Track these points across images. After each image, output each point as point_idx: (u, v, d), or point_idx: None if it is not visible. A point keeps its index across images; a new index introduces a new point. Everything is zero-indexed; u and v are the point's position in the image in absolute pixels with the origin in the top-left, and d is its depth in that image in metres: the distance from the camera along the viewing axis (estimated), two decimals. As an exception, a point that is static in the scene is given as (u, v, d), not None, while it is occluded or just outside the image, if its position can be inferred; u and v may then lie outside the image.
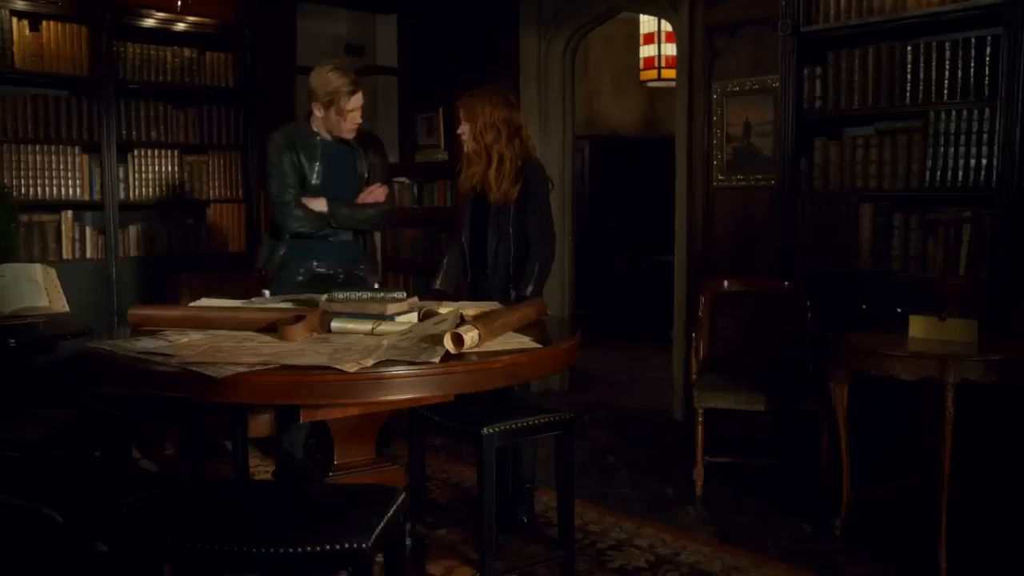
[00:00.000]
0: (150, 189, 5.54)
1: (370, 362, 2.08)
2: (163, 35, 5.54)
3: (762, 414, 3.88)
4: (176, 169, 5.64)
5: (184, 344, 2.43)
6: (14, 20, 4.94)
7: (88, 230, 5.31)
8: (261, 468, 4.34)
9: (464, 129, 3.54)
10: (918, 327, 3.35)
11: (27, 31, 4.99)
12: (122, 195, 5.40)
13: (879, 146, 3.97)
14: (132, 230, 5.50)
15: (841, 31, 4.02)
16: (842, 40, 4.04)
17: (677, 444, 4.81)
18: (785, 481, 4.04)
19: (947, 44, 3.72)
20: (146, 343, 2.45)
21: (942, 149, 3.76)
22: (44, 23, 5.06)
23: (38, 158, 5.09)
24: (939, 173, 3.77)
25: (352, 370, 2.03)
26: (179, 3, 5.56)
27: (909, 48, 3.81)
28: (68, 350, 4.20)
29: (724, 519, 3.73)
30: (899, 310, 3.63)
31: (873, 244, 4.00)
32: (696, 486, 3.98)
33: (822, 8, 4.08)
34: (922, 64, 3.79)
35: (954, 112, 3.71)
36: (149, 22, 5.45)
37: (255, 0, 6.01)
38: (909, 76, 3.82)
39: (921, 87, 3.80)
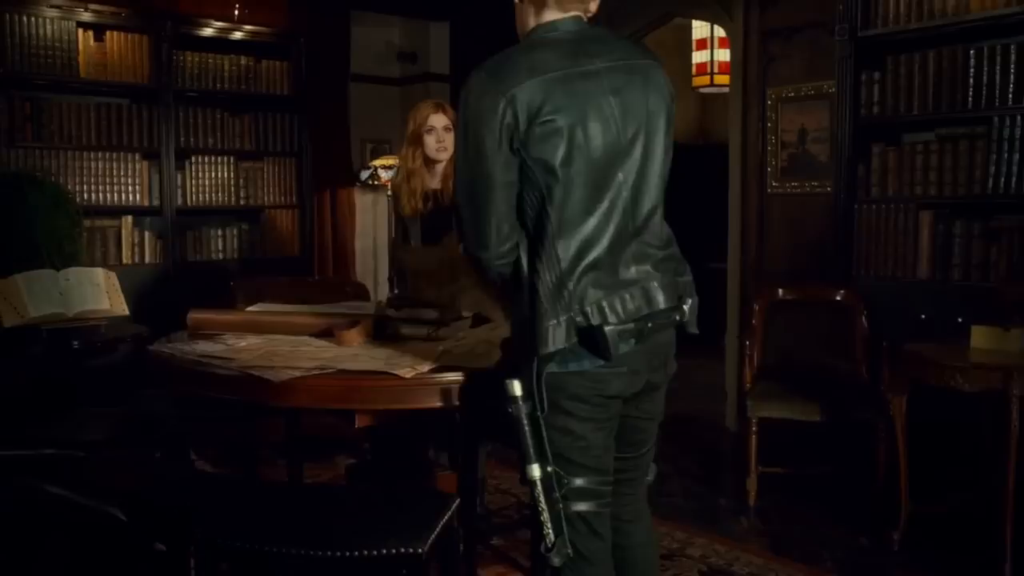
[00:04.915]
0: (207, 195, 5.64)
1: (426, 367, 2.10)
2: (221, 44, 5.64)
3: (815, 424, 3.82)
4: (232, 175, 5.73)
5: (242, 348, 2.48)
6: (80, 31, 5.07)
7: (147, 235, 5.42)
8: (313, 471, 4.38)
9: (451, 136, 3.40)
10: (981, 337, 3.27)
11: (92, 41, 5.13)
12: (180, 201, 5.51)
13: (939, 152, 3.89)
14: (189, 235, 5.60)
15: (900, 35, 3.95)
16: (901, 44, 3.96)
17: (729, 453, 4.76)
18: (839, 492, 3.97)
19: (1012, 47, 3.63)
20: (205, 347, 2.50)
21: (1006, 155, 3.66)
22: (108, 33, 5.18)
23: (100, 164, 5.22)
24: (1003, 180, 3.68)
25: (409, 376, 2.06)
26: (236, 12, 5.68)
27: (972, 52, 3.73)
28: (127, 352, 4.30)
29: (777, 530, 3.67)
30: (960, 320, 3.55)
31: (932, 252, 3.91)
32: (749, 496, 3.92)
33: (880, 12, 4.01)
34: (985, 68, 3.70)
35: (1019, 117, 3.62)
36: (207, 31, 5.56)
37: (310, 9, 6.10)
38: (972, 81, 3.73)
39: (984, 92, 3.71)
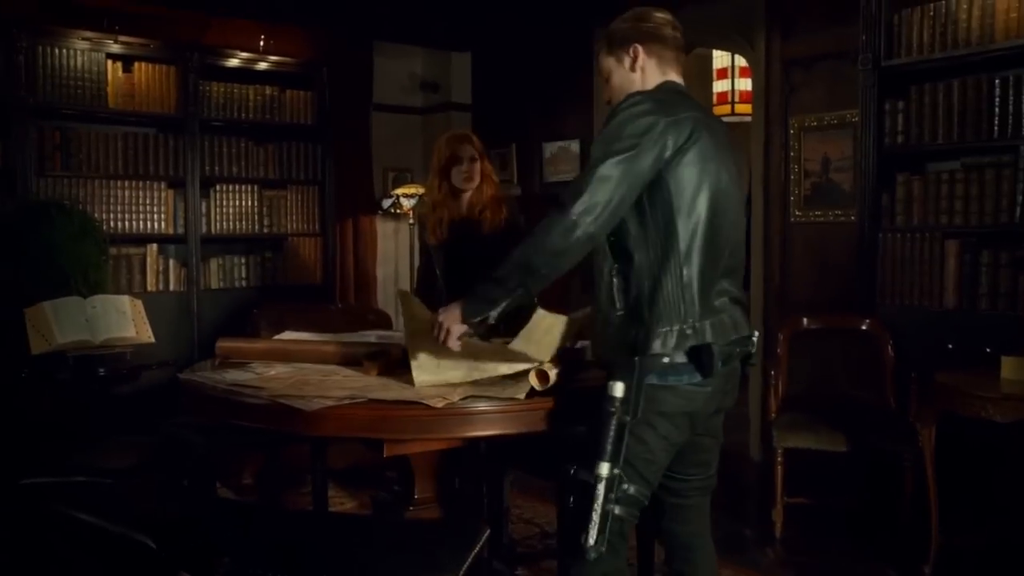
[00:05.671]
0: (231, 223, 5.68)
1: (456, 397, 2.10)
2: (246, 74, 5.71)
3: (841, 454, 3.78)
4: (256, 203, 5.78)
5: (271, 377, 2.48)
6: (109, 62, 5.16)
7: (171, 263, 5.47)
8: (336, 500, 4.38)
9: (477, 166, 3.49)
10: (1011, 368, 3.24)
11: (120, 72, 5.21)
12: (204, 229, 5.55)
13: (965, 181, 3.87)
14: (213, 263, 5.64)
15: (924, 64, 3.95)
16: (925, 74, 3.97)
17: (754, 484, 4.72)
18: (866, 524, 3.93)
19: (1038, 77, 3.63)
20: (235, 375, 2.51)
21: (1033, 184, 3.65)
22: (136, 64, 5.27)
23: (126, 193, 5.27)
24: (1030, 209, 3.67)
25: (439, 405, 2.05)
26: (261, 44, 5.76)
27: (998, 81, 3.72)
28: (151, 379, 4.32)
29: (804, 562, 3.63)
30: (988, 350, 3.52)
31: (959, 281, 3.88)
32: (775, 527, 3.88)
33: (904, 42, 4.02)
34: (1011, 97, 3.69)
35: (1045, 146, 3.61)
36: (233, 62, 5.63)
37: (334, 40, 6.17)
38: (998, 110, 3.73)
39: (1011, 121, 3.70)
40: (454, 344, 2.13)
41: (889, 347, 3.99)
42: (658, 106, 2.05)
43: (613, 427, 1.95)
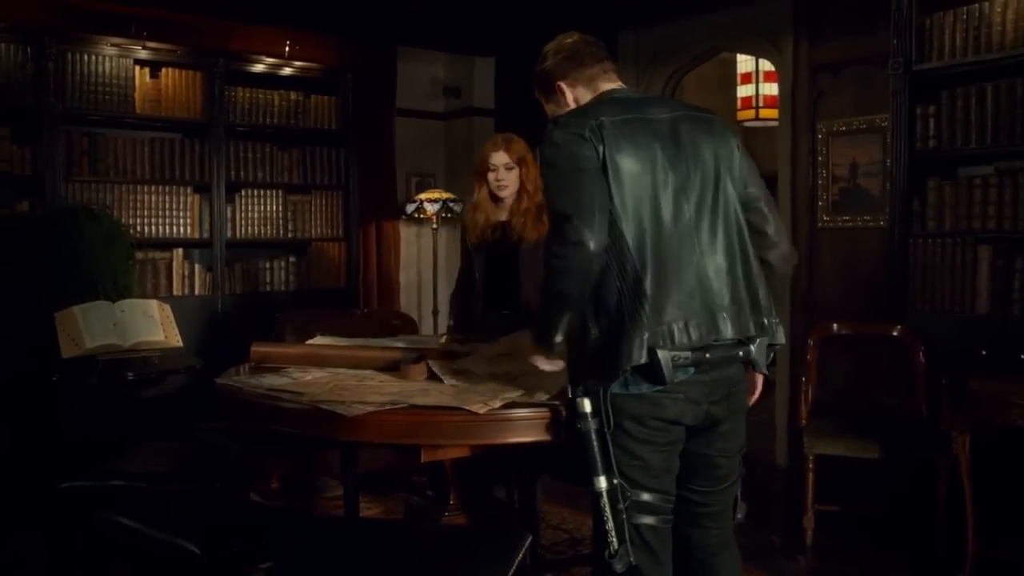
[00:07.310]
0: (256, 228, 5.70)
1: (498, 403, 2.09)
2: (271, 80, 5.73)
3: (870, 462, 3.75)
4: (280, 208, 5.79)
5: (308, 382, 2.48)
6: (136, 68, 5.19)
7: (197, 267, 5.48)
8: (362, 505, 4.36)
9: (514, 174, 3.48)
10: (1048, 375, 3.21)
11: (147, 78, 5.23)
12: (229, 233, 5.56)
13: (999, 186, 3.83)
14: (238, 267, 5.65)
15: (956, 68, 3.91)
16: (957, 78, 3.93)
17: (781, 491, 4.68)
18: (898, 533, 3.89)
19: (1073, 80, 3.59)
20: (272, 380, 2.51)
21: (1069, 189, 3.62)
22: (163, 70, 5.29)
23: (153, 198, 5.29)
24: (1065, 214, 3.63)
25: (481, 411, 2.05)
26: (287, 49, 5.78)
27: (1032, 85, 3.70)
28: (176, 383, 4.33)
29: (836, 570, 3.60)
30: (1021, 356, 3.48)
31: (992, 287, 3.85)
32: (806, 535, 3.85)
33: (935, 46, 3.98)
34: (1046, 101, 3.66)
35: (1080, 151, 3.58)
36: (258, 67, 5.65)
37: (358, 45, 6.18)
38: (1032, 114, 3.70)
39: (1045, 125, 3.67)
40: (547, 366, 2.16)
41: (920, 353, 3.96)
42: (572, 122, 2.06)
43: (594, 440, 1.97)
